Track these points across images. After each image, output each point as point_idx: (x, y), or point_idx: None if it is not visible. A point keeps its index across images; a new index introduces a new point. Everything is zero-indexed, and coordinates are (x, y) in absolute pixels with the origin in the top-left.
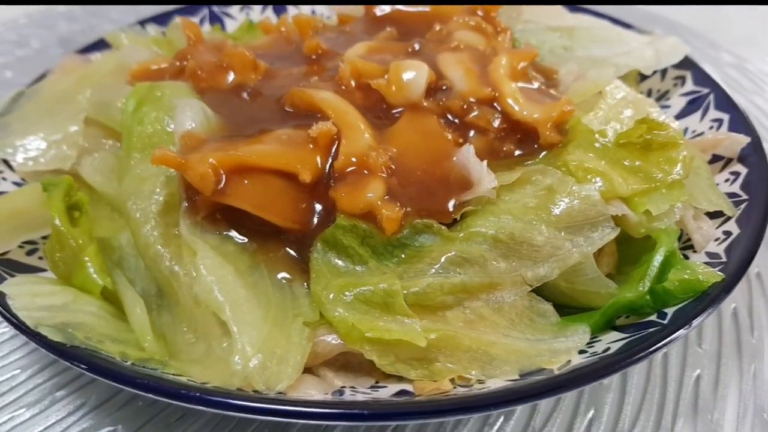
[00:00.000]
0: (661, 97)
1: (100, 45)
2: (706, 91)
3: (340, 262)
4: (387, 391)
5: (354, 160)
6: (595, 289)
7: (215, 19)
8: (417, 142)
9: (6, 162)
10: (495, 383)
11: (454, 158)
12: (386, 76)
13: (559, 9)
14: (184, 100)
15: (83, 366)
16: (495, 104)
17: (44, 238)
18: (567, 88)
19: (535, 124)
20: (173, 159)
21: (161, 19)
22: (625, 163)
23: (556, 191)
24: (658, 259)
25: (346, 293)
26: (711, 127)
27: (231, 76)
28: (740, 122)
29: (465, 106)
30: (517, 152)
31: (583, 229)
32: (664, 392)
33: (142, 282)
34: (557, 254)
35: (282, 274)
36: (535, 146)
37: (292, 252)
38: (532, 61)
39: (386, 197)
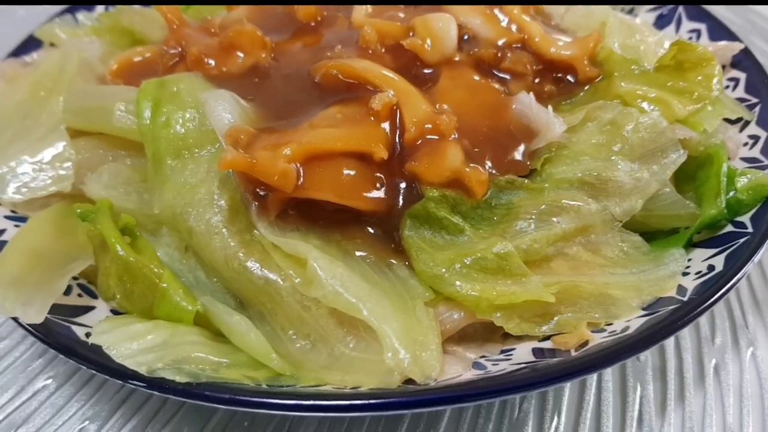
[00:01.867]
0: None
1: (32, 44)
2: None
3: (437, 235)
4: (522, 352)
5: (427, 126)
6: (675, 212)
7: None
8: (467, 98)
9: None
10: (619, 324)
11: (513, 107)
12: (411, 34)
13: None
14: (211, 93)
15: (233, 403)
16: (524, 47)
17: None
18: (562, 20)
19: (572, 61)
20: (244, 162)
21: (89, 5)
22: (668, 85)
23: (622, 124)
24: (724, 172)
25: (457, 265)
26: (690, 38)
27: (240, 58)
28: (720, 29)
29: (499, 54)
30: (557, 92)
31: (656, 157)
32: None
33: (211, 296)
34: (638, 186)
35: (375, 259)
36: (574, 83)
37: (375, 235)
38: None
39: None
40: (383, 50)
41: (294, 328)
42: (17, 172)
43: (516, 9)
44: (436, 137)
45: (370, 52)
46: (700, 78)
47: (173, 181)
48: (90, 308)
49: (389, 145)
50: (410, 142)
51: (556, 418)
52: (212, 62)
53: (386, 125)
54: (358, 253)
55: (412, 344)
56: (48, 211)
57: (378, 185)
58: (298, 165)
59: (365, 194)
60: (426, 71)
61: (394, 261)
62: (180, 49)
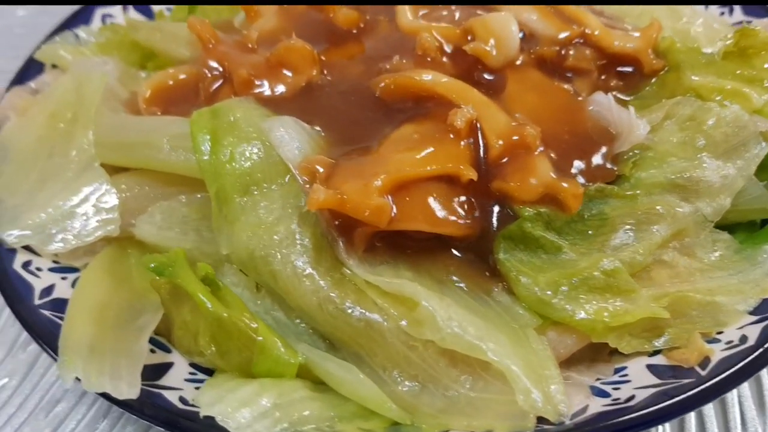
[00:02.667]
0: None
1: (33, 68)
2: None
3: (534, 256)
4: (636, 371)
5: (513, 140)
6: (760, 206)
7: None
8: (539, 103)
9: (28, 248)
10: (732, 332)
11: (590, 109)
12: (470, 38)
13: None
14: (274, 120)
15: None
16: (585, 42)
17: None
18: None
19: (636, 53)
20: (336, 200)
21: (83, 17)
22: (738, 73)
23: (702, 120)
24: None
25: (563, 287)
26: (722, 13)
27: (290, 77)
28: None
29: (562, 51)
30: (623, 87)
31: (739, 152)
32: None
33: (296, 338)
34: (726, 183)
35: (471, 286)
36: (638, 77)
37: (466, 260)
38: None
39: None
40: (443, 58)
41: (398, 369)
42: (58, 219)
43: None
44: (522, 151)
45: (429, 59)
46: (767, 65)
47: (245, 220)
48: (168, 365)
49: (475, 164)
50: (496, 159)
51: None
52: (262, 83)
53: (468, 142)
54: (453, 283)
55: (539, 380)
56: (98, 260)
57: (467, 208)
58: (389, 196)
59: (456, 219)
60: (489, 77)
61: (491, 287)
62: (221, 70)
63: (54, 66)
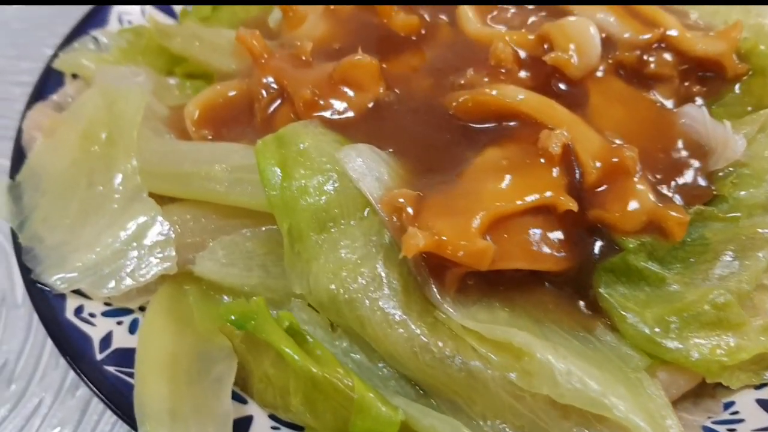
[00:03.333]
0: None
1: (53, 79)
2: None
3: (637, 289)
4: (746, 406)
5: (611, 162)
6: None
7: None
8: (626, 117)
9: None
10: None
11: (681, 122)
12: (546, 47)
13: None
14: (348, 150)
15: None
16: (665, 45)
17: None
18: None
19: (719, 57)
20: (435, 244)
21: (98, 18)
22: None
23: None
24: None
25: (673, 324)
26: None
27: (356, 96)
28: None
29: (644, 57)
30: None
31: None
32: None
33: (383, 384)
34: None
35: (571, 325)
36: (719, 82)
37: (562, 295)
38: None
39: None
40: (521, 68)
41: (500, 419)
42: (109, 258)
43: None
44: (621, 175)
45: (503, 71)
46: None
47: (324, 260)
48: (248, 420)
49: (571, 192)
50: (593, 185)
51: None
52: (326, 103)
53: (563, 168)
54: (552, 323)
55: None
56: (156, 302)
57: (564, 240)
58: (489, 236)
59: (554, 253)
60: (569, 88)
61: (593, 325)
62: (277, 88)
63: (74, 76)
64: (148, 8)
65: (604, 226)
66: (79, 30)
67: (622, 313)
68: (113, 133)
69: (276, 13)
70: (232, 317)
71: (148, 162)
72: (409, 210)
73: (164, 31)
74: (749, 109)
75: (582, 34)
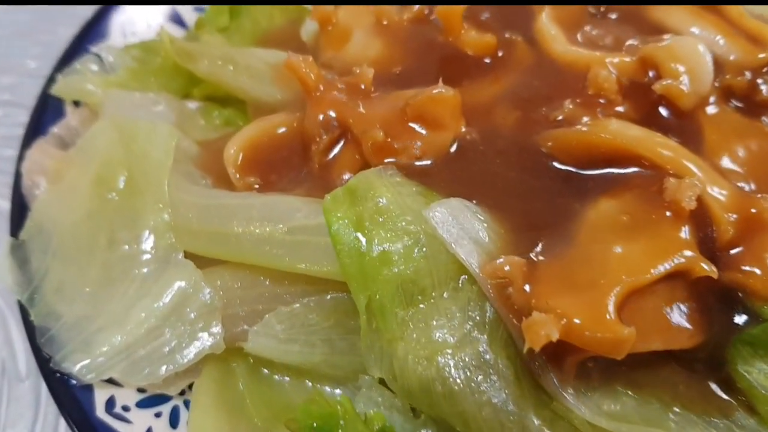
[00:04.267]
0: None
1: (52, 108)
2: None
3: None
4: None
5: (749, 213)
6: None
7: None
8: (749, 155)
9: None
10: None
11: None
12: (652, 74)
13: None
14: (437, 207)
15: None
16: None
17: None
18: None
19: None
20: (568, 331)
21: (98, 31)
22: None
23: None
24: None
25: None
26: None
27: (433, 135)
28: None
29: (756, 80)
30: None
31: None
32: None
33: None
34: None
35: (706, 409)
36: None
37: (690, 372)
38: None
39: None
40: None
41: None
42: (142, 338)
43: (736, 7)
44: (760, 229)
45: (602, 102)
46: None
47: (413, 340)
48: None
49: (702, 251)
50: (729, 244)
51: None
52: (399, 146)
53: (691, 224)
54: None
55: None
56: (202, 390)
57: (696, 310)
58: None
59: (687, 326)
60: (678, 121)
61: (731, 409)
62: (337, 126)
63: (76, 103)
64: (159, 19)
65: (741, 291)
66: (78, 46)
67: (765, 393)
68: (136, 178)
69: (310, 24)
70: (314, 424)
71: (183, 217)
72: (520, 282)
73: (185, 52)
74: None
75: (694, 58)
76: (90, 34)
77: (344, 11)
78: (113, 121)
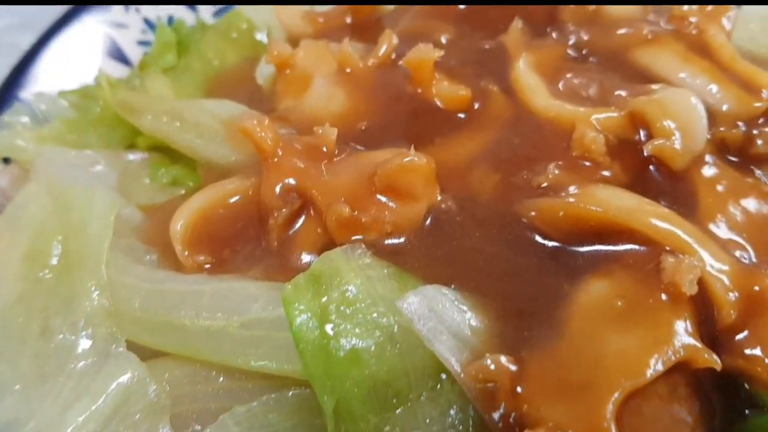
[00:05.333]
0: None
1: None
2: None
3: None
4: None
5: (755, 290)
6: None
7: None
8: (747, 220)
9: None
10: None
11: None
12: (644, 134)
13: None
14: (411, 298)
15: None
16: None
17: None
18: None
19: None
20: None
21: (24, 77)
22: None
23: None
24: None
25: None
26: None
27: (404, 207)
28: None
29: (752, 132)
30: None
31: None
32: None
33: None
34: None
35: None
36: None
37: None
38: None
39: None
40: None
41: None
42: None
43: (728, 49)
44: (764, 311)
45: (587, 164)
46: None
47: None
48: None
49: (701, 335)
50: (731, 328)
51: None
52: (369, 221)
53: (692, 309)
54: None
55: None
56: None
57: (694, 400)
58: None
59: (685, 418)
60: (669, 182)
61: None
62: (296, 196)
63: (5, 160)
64: (98, 57)
65: (744, 378)
66: (5, 94)
67: None
68: (72, 253)
69: (266, 67)
70: None
71: (124, 302)
72: (508, 384)
73: (127, 105)
74: None
75: (687, 114)
76: (18, 78)
77: (304, 54)
78: (47, 185)
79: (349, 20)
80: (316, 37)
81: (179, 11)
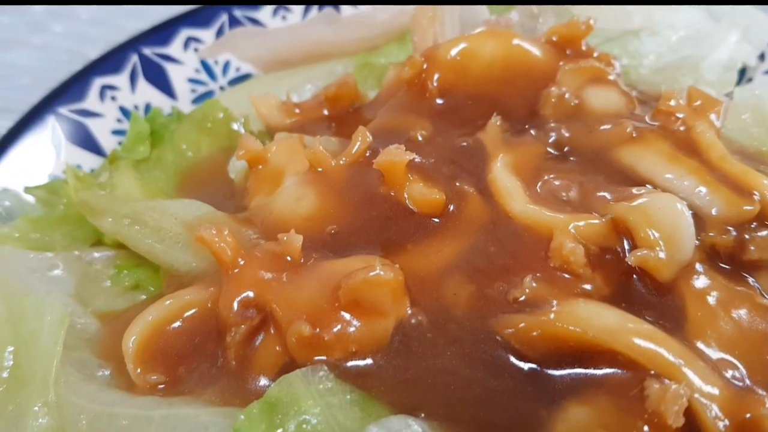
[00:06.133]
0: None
1: None
2: None
3: None
4: None
5: (745, 418)
6: None
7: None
8: (739, 335)
9: None
10: None
11: None
12: (630, 246)
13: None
14: (375, 429)
15: None
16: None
17: None
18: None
19: None
20: None
21: None
22: None
23: None
24: None
25: None
26: None
27: (370, 323)
28: None
29: (744, 237)
30: None
31: None
32: None
33: None
34: None
35: None
36: None
37: None
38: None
39: None
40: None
41: None
42: None
43: (717, 148)
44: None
45: (566, 276)
46: None
47: None
48: None
49: None
50: None
51: None
52: (332, 340)
53: None
54: None
55: None
56: None
57: None
58: None
59: None
60: (654, 295)
61: None
62: (255, 312)
63: None
64: (68, 148)
65: None
66: None
67: None
68: (22, 367)
69: (238, 162)
70: None
71: (71, 424)
72: None
73: (87, 204)
74: None
75: (673, 223)
76: None
77: (276, 150)
78: (2, 291)
79: (326, 112)
80: (294, 128)
81: (157, 99)
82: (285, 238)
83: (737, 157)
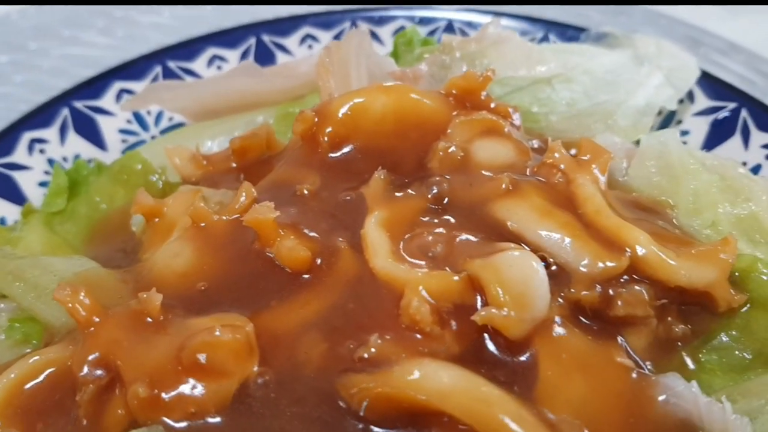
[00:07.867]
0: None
1: None
2: (732, 105)
3: None
4: None
5: None
6: None
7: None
8: (590, 395)
9: None
10: None
11: (663, 399)
12: (482, 301)
13: (520, 42)
14: None
15: None
16: (635, 274)
17: None
18: (625, 175)
19: (709, 288)
20: None
21: None
22: None
23: None
24: None
25: None
26: None
27: (213, 384)
28: None
29: (609, 292)
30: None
31: None
32: None
33: None
34: None
35: None
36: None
37: None
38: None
39: None
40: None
41: None
42: None
43: (594, 201)
44: None
45: (417, 336)
46: None
47: None
48: None
49: None
50: None
51: None
52: (172, 400)
53: None
54: None
55: None
56: None
57: None
58: None
59: None
60: (507, 354)
61: None
62: (104, 371)
63: None
64: None
65: None
66: None
67: None
68: None
69: (141, 219)
70: None
71: None
72: None
73: None
74: (747, 356)
75: (522, 282)
76: None
77: (173, 203)
78: None
79: (234, 165)
80: (205, 179)
81: (87, 150)
82: (145, 296)
83: (629, 208)
